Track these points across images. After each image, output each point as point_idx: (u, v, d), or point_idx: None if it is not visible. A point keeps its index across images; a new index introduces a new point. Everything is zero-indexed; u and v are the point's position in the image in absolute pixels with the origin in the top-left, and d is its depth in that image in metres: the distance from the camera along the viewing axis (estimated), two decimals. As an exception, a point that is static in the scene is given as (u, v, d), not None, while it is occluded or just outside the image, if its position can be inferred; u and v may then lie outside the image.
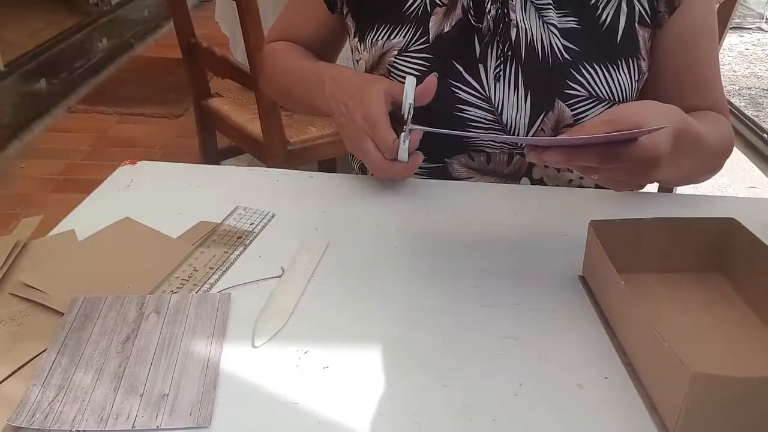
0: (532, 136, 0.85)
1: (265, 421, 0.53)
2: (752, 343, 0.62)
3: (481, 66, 0.84)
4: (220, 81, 2.05)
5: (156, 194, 0.83)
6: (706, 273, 0.70)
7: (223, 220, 0.78)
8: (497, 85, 0.84)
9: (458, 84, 0.84)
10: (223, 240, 0.74)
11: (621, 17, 0.84)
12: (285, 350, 0.60)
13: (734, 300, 0.67)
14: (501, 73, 0.83)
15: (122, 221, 0.76)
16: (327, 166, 2.13)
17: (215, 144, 2.12)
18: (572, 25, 0.83)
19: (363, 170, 0.99)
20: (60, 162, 2.64)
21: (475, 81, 0.84)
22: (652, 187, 1.09)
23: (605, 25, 0.84)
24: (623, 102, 0.85)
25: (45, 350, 0.58)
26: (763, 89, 3.55)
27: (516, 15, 0.83)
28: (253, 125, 1.82)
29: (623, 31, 0.84)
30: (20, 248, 0.70)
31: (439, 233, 0.77)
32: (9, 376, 0.56)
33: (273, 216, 0.79)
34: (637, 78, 0.85)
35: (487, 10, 0.83)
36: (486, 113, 0.85)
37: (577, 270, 0.70)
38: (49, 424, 0.51)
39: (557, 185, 0.90)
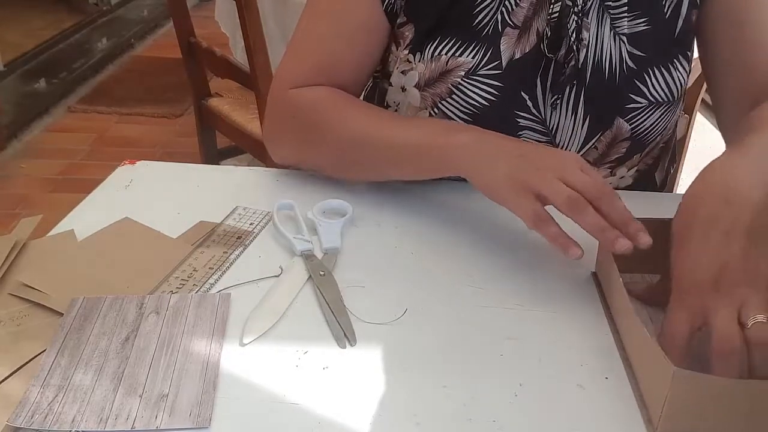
0: (584, 153, 0.82)
1: (265, 422, 0.53)
2: None
3: (540, 93, 0.80)
4: (220, 81, 2.05)
5: (156, 194, 0.83)
6: None
7: (223, 220, 0.77)
8: (554, 112, 0.80)
9: (521, 113, 0.80)
10: (222, 240, 0.74)
11: (683, 3, 0.79)
12: (285, 350, 0.59)
13: None
14: (558, 101, 0.80)
15: (122, 221, 0.76)
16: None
17: (215, 144, 2.12)
18: (641, 27, 0.79)
19: None
20: (59, 162, 2.64)
21: (534, 107, 0.80)
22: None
23: (668, 15, 0.79)
24: (677, 101, 0.82)
25: (44, 350, 0.58)
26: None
27: (589, 33, 0.78)
28: (253, 125, 1.82)
29: (683, 19, 0.79)
30: (19, 248, 0.70)
31: (439, 233, 0.77)
32: (8, 376, 0.56)
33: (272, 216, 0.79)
34: (689, 68, 0.82)
35: (571, 40, 0.77)
36: (539, 135, 0.81)
37: (590, 267, 0.70)
38: (49, 425, 0.51)
39: None
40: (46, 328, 0.61)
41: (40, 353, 0.58)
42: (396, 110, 0.87)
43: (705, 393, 0.50)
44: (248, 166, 0.92)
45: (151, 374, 0.56)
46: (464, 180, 0.88)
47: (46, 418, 0.51)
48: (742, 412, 0.50)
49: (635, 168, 0.87)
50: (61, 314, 0.62)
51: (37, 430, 0.51)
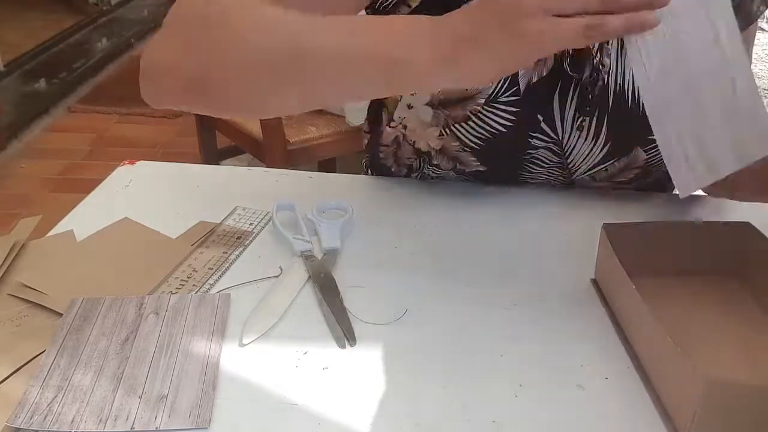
0: (593, 172, 0.83)
1: (264, 422, 0.53)
2: (766, 350, 0.61)
3: (558, 113, 0.78)
4: (219, 81, 2.04)
5: (155, 194, 0.83)
6: (723, 277, 0.69)
7: (223, 220, 0.77)
8: (572, 133, 0.79)
9: (535, 133, 0.79)
10: (222, 240, 0.74)
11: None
12: (285, 351, 0.59)
13: (749, 305, 0.66)
14: (585, 123, 0.78)
15: (121, 221, 0.76)
16: (327, 166, 2.13)
17: (215, 144, 2.12)
18: None
19: (372, 171, 0.96)
20: (59, 162, 2.64)
21: (551, 129, 0.78)
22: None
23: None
24: None
25: (44, 351, 0.58)
26: (764, 89, 3.55)
27: (611, 60, 0.75)
28: (253, 125, 1.82)
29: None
30: (19, 249, 0.70)
31: (439, 233, 0.77)
32: (8, 376, 0.55)
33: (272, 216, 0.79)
34: None
35: (595, 61, 0.75)
36: (552, 155, 0.81)
37: (589, 273, 0.70)
38: (48, 425, 0.51)
39: None
40: (46, 328, 0.60)
41: (40, 353, 0.58)
42: (402, 125, 0.84)
43: (737, 402, 0.48)
44: (248, 166, 0.92)
45: (151, 375, 0.56)
46: (464, 180, 0.88)
47: (45, 418, 0.51)
48: None
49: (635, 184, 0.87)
50: (61, 315, 0.62)
51: (37, 430, 0.51)
